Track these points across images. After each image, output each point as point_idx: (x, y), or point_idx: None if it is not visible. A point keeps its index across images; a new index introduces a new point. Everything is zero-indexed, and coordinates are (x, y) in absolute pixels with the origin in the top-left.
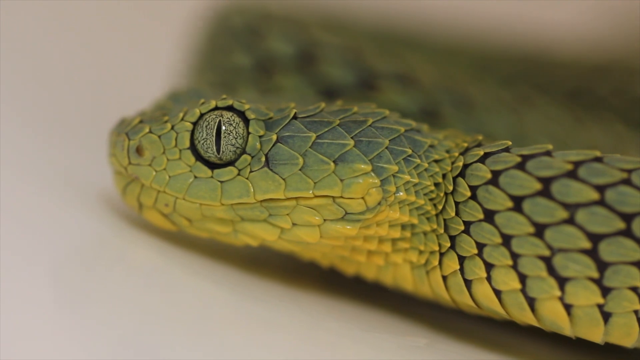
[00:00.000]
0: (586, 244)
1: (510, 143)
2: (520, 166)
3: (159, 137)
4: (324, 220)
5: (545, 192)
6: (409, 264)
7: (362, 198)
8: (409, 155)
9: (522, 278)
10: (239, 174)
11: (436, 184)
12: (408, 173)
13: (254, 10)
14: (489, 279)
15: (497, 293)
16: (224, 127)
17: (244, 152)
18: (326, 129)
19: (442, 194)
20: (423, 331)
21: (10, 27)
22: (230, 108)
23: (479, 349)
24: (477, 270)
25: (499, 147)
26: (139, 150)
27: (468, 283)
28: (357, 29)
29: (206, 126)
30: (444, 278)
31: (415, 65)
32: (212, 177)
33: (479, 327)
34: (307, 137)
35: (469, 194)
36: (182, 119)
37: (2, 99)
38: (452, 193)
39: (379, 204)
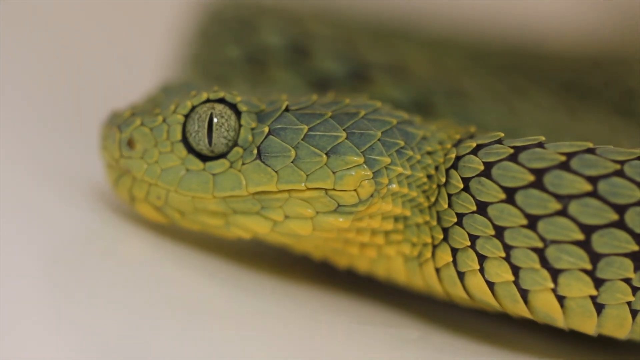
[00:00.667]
0: (579, 236)
1: (502, 135)
2: (513, 158)
3: (151, 129)
4: (317, 212)
5: (538, 184)
6: (401, 256)
7: (355, 190)
8: (402, 147)
9: (515, 270)
10: (231, 167)
11: (429, 176)
12: (400, 165)
13: (246, 3)
14: (481, 271)
15: (490, 285)
16: (215, 120)
17: (235, 144)
18: (318, 121)
19: (434, 186)
20: (416, 324)
21: (1, 20)
22: (222, 100)
23: (472, 341)
24: (470, 262)
25: (492, 138)
26: (130, 143)
27: (461, 275)
28: (349, 21)
29: (198, 119)
30: (437, 270)
31: (407, 57)
32: (204, 169)
33: (472, 320)
34: (299, 129)
35: (461, 185)
36: (173, 112)
37: None
38: (444, 185)
39: (372, 196)
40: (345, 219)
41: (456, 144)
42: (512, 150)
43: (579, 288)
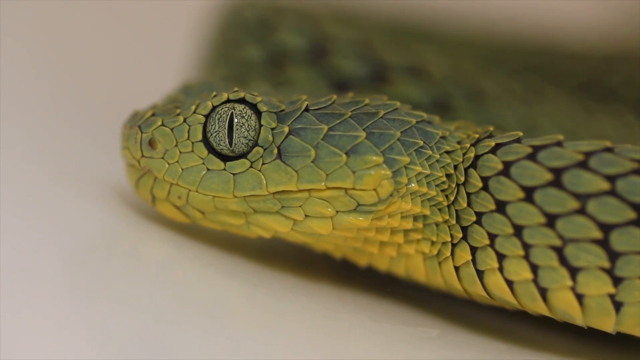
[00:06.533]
0: (597, 234)
1: (521, 134)
2: (531, 157)
3: (172, 129)
4: (336, 211)
5: (556, 183)
6: (421, 254)
7: (374, 189)
8: (421, 147)
9: (534, 268)
10: (251, 166)
11: (448, 175)
12: (420, 164)
13: (265, 4)
14: (501, 269)
15: (509, 283)
16: (236, 120)
17: (256, 144)
18: (338, 121)
19: (453, 185)
20: (435, 322)
21: (24, 21)
22: (242, 101)
23: (491, 339)
24: (489, 260)
25: (510, 138)
26: (151, 143)
27: (480, 273)
28: (368, 21)
29: (218, 119)
30: (456, 269)
31: (426, 58)
32: (224, 169)
33: (491, 318)
34: (319, 129)
35: (480, 184)
36: (194, 112)
37: (16, 93)
38: (463, 184)
39: (391, 195)
40: (364, 218)
41: (475, 143)
42: (530, 150)
43: (597, 286)
